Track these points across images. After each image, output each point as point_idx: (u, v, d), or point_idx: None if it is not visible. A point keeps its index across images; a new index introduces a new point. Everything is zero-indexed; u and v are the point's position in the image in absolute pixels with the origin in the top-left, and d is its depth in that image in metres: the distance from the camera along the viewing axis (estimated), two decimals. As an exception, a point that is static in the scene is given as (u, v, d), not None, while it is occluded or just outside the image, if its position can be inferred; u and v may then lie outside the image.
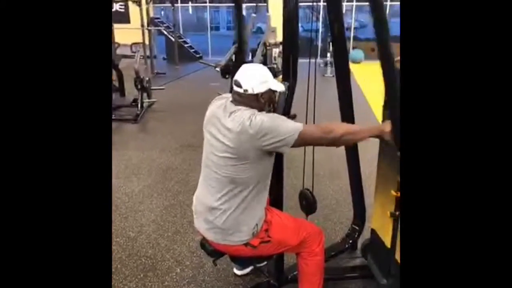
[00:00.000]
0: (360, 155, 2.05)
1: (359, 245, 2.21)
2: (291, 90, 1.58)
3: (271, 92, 1.42)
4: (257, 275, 2.06)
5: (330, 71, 8.09)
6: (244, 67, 1.43)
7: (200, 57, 10.37)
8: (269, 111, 1.46)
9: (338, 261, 2.16)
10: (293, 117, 2.05)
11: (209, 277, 2.06)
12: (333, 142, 1.39)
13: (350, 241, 2.21)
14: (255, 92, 1.38)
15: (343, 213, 2.67)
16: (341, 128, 1.41)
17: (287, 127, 1.34)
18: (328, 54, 8.26)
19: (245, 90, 1.38)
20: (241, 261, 1.83)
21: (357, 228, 2.23)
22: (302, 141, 1.35)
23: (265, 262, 1.98)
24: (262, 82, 1.39)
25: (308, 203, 1.91)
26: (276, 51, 6.46)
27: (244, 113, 1.34)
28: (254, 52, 5.09)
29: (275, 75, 2.35)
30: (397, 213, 1.66)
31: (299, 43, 1.63)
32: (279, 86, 1.45)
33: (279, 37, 7.08)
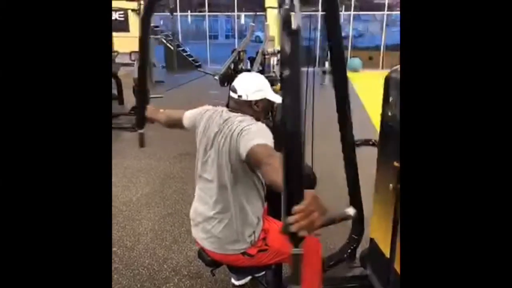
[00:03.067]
0: (358, 163, 2.05)
1: (357, 255, 2.20)
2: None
3: (267, 101, 1.43)
4: (255, 285, 2.04)
5: (328, 80, 8.13)
6: (242, 75, 1.46)
7: (199, 66, 10.42)
8: (266, 120, 1.47)
9: (336, 271, 2.14)
10: None
11: (207, 287, 2.04)
12: (260, 164, 1.20)
13: (349, 251, 2.20)
14: (249, 99, 1.39)
15: (342, 223, 2.65)
16: (275, 160, 1.13)
17: (251, 137, 1.26)
18: (326, 63, 8.30)
19: (240, 96, 1.39)
20: (239, 271, 1.81)
21: (355, 237, 2.22)
22: (251, 156, 1.24)
23: (264, 272, 1.96)
24: (257, 90, 1.40)
25: (306, 177, 1.88)
26: (274, 60, 6.50)
27: (235, 120, 1.35)
28: (252, 61, 5.11)
29: (272, 84, 2.36)
30: (398, 185, 1.55)
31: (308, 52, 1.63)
32: (276, 97, 1.45)
33: (278, 46, 7.13)
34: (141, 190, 3.22)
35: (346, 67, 1.19)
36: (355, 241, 2.21)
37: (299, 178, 0.81)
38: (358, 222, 2.22)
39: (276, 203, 1.74)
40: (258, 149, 1.22)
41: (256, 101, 1.40)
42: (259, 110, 1.42)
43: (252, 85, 1.40)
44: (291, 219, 0.76)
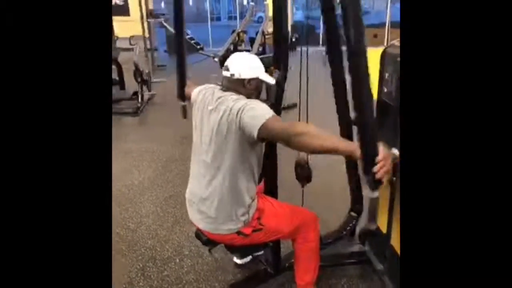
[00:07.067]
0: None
1: (357, 232, 2.22)
2: (282, 78, 1.57)
3: (259, 80, 1.43)
4: (256, 263, 2.07)
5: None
6: (235, 54, 1.45)
7: (201, 48, 10.31)
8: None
9: (336, 248, 2.16)
10: (293, 106, 2.01)
11: (208, 266, 2.09)
12: (293, 137, 1.19)
13: (348, 228, 2.22)
14: (242, 77, 1.39)
15: (342, 201, 2.66)
16: (308, 127, 1.21)
17: (257, 113, 1.27)
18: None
19: (232, 75, 1.39)
20: (236, 250, 1.84)
21: (354, 215, 2.24)
22: (266, 131, 1.25)
23: (262, 251, 1.99)
24: (250, 68, 1.40)
25: (303, 172, 1.90)
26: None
27: (230, 98, 1.35)
28: (252, 42, 5.05)
29: (271, 64, 2.33)
30: (394, 178, 1.57)
31: (303, 31, 1.61)
32: (268, 78, 1.45)
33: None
34: (144, 174, 3.26)
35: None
36: (354, 218, 2.23)
37: (374, 138, 1.09)
38: (357, 201, 2.24)
39: (273, 182, 1.75)
40: (273, 124, 1.24)
41: (249, 80, 1.40)
42: (251, 88, 1.41)
43: (244, 64, 1.40)
44: (376, 168, 1.05)
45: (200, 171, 1.46)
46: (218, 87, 1.46)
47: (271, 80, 1.48)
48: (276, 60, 1.59)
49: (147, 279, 2.00)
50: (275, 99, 1.59)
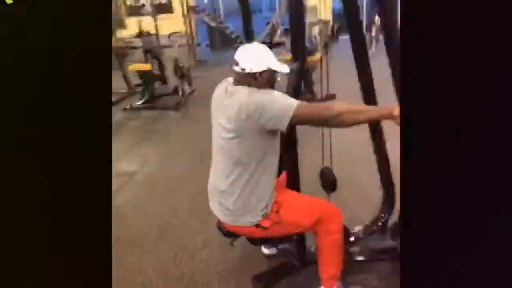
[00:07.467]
0: (386, 136, 1.97)
1: (389, 227, 2.15)
2: (299, 69, 1.54)
3: (271, 71, 1.40)
4: (284, 255, 2.08)
5: (374, 47, 7.70)
6: (244, 47, 1.43)
7: (241, 42, 10.37)
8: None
9: (367, 243, 2.11)
10: (332, 97, 1.96)
11: (236, 256, 2.13)
12: (332, 119, 1.28)
13: (380, 223, 2.15)
14: (253, 71, 1.37)
15: (375, 196, 2.58)
16: (342, 106, 1.29)
17: (282, 104, 1.30)
18: (373, 29, 7.84)
19: (243, 69, 1.38)
20: (258, 242, 1.86)
21: (386, 209, 2.17)
22: (298, 118, 1.29)
23: (288, 244, 1.99)
24: (260, 61, 1.38)
25: (328, 181, 1.88)
26: (316, 29, 6.30)
27: (242, 91, 1.35)
28: (288, 32, 4.99)
29: (310, 53, 2.30)
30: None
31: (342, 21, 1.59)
32: (281, 67, 1.41)
33: (322, 15, 6.81)
34: (182, 166, 3.39)
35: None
36: (385, 213, 2.16)
37: None
38: (389, 195, 2.16)
39: (294, 174, 1.74)
40: (305, 110, 1.30)
41: (260, 73, 1.38)
42: (263, 81, 1.39)
43: (253, 57, 1.38)
44: None
45: (219, 165, 1.50)
46: (231, 81, 1.46)
47: (285, 69, 1.43)
48: (294, 51, 1.57)
49: (179, 267, 2.10)
50: (293, 89, 1.57)
